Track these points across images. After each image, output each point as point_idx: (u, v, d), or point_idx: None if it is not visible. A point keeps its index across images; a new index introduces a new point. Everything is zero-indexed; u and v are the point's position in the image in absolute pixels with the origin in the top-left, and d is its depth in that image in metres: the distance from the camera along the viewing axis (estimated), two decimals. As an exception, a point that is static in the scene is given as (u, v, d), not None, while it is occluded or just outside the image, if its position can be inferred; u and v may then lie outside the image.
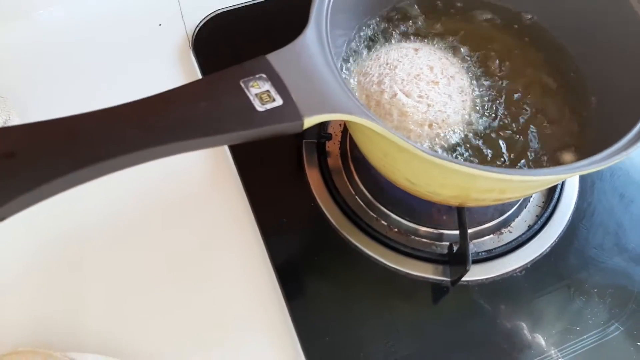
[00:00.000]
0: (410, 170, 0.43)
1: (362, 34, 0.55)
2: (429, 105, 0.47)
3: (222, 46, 0.67)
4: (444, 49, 0.54)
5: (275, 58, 0.37)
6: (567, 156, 0.50)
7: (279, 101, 0.35)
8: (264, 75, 0.36)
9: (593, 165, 0.38)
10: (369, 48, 0.55)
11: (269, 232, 0.54)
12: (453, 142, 0.48)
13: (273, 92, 0.35)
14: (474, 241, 0.56)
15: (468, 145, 0.48)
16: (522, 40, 0.56)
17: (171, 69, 0.66)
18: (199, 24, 0.68)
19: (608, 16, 0.49)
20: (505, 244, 0.55)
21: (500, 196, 0.43)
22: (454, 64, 0.51)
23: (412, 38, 0.56)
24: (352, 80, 0.52)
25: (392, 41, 0.56)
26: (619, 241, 0.57)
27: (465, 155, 0.48)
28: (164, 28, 0.69)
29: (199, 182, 0.58)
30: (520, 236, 0.56)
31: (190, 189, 0.57)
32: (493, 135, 0.49)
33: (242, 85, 0.35)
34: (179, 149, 0.33)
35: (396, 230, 0.56)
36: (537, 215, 0.58)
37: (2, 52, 0.65)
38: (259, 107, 0.34)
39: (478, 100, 0.50)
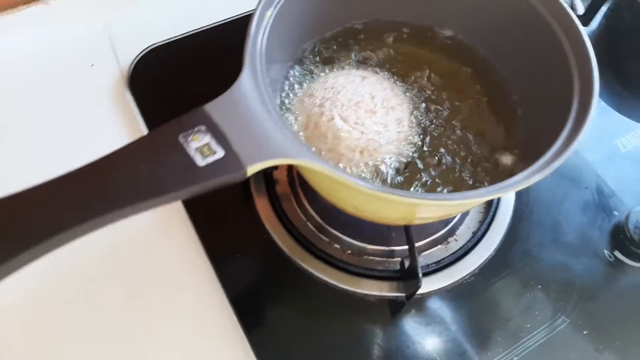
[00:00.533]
0: (356, 201, 0.44)
1: (305, 61, 0.56)
2: (362, 133, 0.48)
3: (159, 82, 0.67)
4: (391, 78, 0.56)
5: (213, 108, 0.38)
6: (506, 159, 0.52)
7: (220, 153, 0.36)
8: (203, 127, 0.36)
9: (515, 185, 0.40)
10: (314, 75, 0.57)
11: (222, 267, 0.55)
12: (385, 169, 0.50)
13: (213, 144, 0.36)
14: (424, 254, 0.58)
15: (407, 171, 0.50)
16: (452, 61, 0.58)
17: (108, 110, 0.65)
18: (133, 60, 0.67)
19: (522, 26, 0.52)
20: (453, 253, 0.58)
21: (443, 215, 0.46)
22: (398, 95, 0.53)
23: (359, 65, 0.58)
24: (296, 102, 0.53)
25: (344, 67, 0.57)
26: (557, 237, 0.60)
27: (399, 180, 0.50)
28: (97, 68, 0.68)
29: (148, 223, 0.57)
30: (465, 244, 0.59)
31: (138, 228, 0.56)
32: (431, 160, 0.51)
33: (182, 140, 0.36)
34: (123, 214, 0.33)
35: (349, 252, 0.57)
36: (479, 221, 0.60)
37: None
38: (200, 162, 0.35)
39: (414, 130, 0.52)
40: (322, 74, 0.57)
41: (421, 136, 0.53)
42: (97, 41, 0.69)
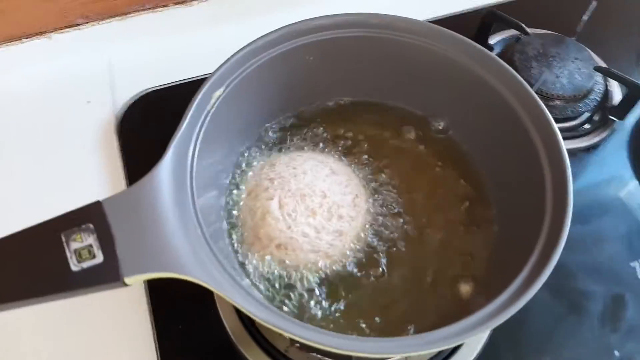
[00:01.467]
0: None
1: (266, 139, 0.53)
2: (289, 227, 0.44)
3: (147, 131, 0.65)
4: (363, 178, 0.52)
5: (111, 204, 0.35)
6: (464, 288, 0.46)
7: (99, 258, 0.33)
8: (91, 226, 0.34)
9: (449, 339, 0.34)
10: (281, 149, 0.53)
11: (164, 338, 0.52)
12: (296, 277, 0.45)
13: (95, 247, 0.33)
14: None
15: (321, 291, 0.45)
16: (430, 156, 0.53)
17: (93, 153, 0.64)
18: (126, 104, 0.66)
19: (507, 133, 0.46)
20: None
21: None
22: (358, 205, 0.48)
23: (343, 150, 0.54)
24: (259, 166, 0.51)
25: (324, 147, 0.54)
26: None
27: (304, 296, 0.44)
28: (92, 106, 0.67)
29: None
30: None
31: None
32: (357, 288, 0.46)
33: (63, 239, 0.33)
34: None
35: (297, 345, 0.52)
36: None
37: None
38: (74, 266, 0.32)
39: (357, 247, 0.47)
40: (301, 148, 0.53)
41: (363, 259, 0.47)
42: (97, 78, 0.69)
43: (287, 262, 0.45)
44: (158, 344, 0.51)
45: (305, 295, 0.45)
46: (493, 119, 0.46)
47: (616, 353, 0.52)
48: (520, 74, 0.63)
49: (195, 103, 0.41)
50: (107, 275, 0.32)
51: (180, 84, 0.69)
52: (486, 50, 0.46)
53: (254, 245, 0.46)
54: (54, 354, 0.51)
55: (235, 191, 0.49)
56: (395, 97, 0.53)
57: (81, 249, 0.33)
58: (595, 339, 0.53)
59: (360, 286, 0.46)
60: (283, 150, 0.53)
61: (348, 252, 0.46)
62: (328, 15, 0.47)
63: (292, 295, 0.45)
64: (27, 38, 0.66)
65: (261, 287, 0.45)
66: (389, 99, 0.54)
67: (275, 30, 0.46)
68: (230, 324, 0.53)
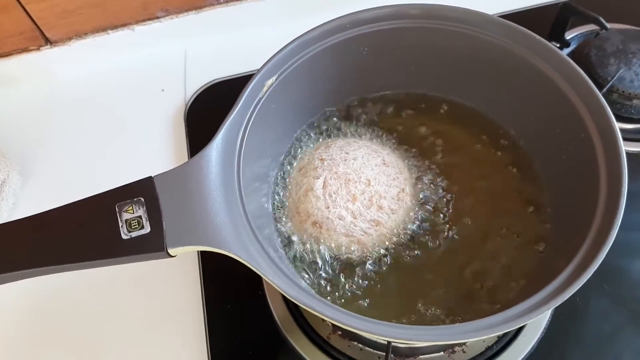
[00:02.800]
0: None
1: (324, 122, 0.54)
2: (327, 207, 0.46)
3: (212, 119, 0.68)
4: (416, 173, 0.52)
5: (162, 180, 0.37)
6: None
7: (146, 229, 0.35)
8: (142, 199, 0.36)
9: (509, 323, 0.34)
10: (347, 133, 0.54)
11: (214, 317, 0.54)
12: (322, 257, 0.46)
13: (144, 219, 0.36)
14: (421, 357, 0.52)
15: (341, 274, 0.46)
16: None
17: (165, 137, 0.68)
18: (195, 93, 0.70)
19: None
20: (455, 366, 0.51)
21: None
22: (402, 199, 0.48)
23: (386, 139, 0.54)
24: (314, 145, 0.52)
25: (383, 137, 0.54)
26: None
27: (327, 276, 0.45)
28: (166, 94, 0.72)
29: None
30: (474, 357, 0.51)
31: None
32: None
33: (117, 209, 0.36)
34: (40, 272, 0.34)
35: (339, 333, 0.53)
36: (498, 336, 0.52)
37: (10, 109, 0.71)
38: (124, 235, 0.35)
39: (392, 240, 0.47)
40: (358, 135, 0.54)
41: (395, 253, 0.47)
42: (172, 68, 0.74)
43: (320, 240, 0.46)
44: (207, 322, 0.54)
45: (324, 274, 0.47)
46: (544, 105, 0.45)
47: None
48: (595, 71, 0.60)
49: (247, 91, 0.43)
50: (152, 244, 0.35)
51: (246, 75, 0.72)
52: (539, 37, 0.44)
53: (294, 218, 0.47)
54: (113, 319, 0.56)
55: (287, 167, 0.51)
56: (450, 90, 0.52)
57: (131, 220, 0.36)
58: (656, 353, 0.49)
59: (387, 278, 0.46)
60: (340, 136, 0.53)
61: (382, 242, 0.47)
62: (383, 6, 0.47)
63: (311, 271, 0.47)
64: (112, 30, 0.72)
65: (290, 254, 0.47)
66: (443, 91, 0.53)
67: (329, 22, 0.47)
68: (276, 307, 0.55)
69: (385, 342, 0.51)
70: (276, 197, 0.50)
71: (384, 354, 0.51)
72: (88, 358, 0.54)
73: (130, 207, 0.36)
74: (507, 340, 0.52)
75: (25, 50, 0.71)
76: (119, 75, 0.74)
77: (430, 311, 0.44)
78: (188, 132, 0.68)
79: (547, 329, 0.52)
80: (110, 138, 0.69)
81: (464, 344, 0.52)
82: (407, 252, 0.48)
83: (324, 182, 0.47)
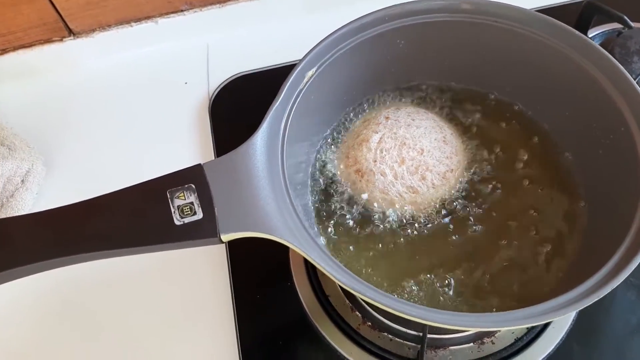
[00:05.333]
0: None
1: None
2: (374, 161, 0.49)
3: (237, 111, 0.69)
4: (470, 154, 0.53)
5: (211, 167, 0.38)
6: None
7: (199, 215, 0.36)
8: (192, 186, 0.37)
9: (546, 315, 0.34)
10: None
11: (242, 307, 0.55)
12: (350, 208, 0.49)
13: (196, 205, 0.36)
14: (451, 348, 0.52)
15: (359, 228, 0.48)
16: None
17: (188, 129, 0.69)
18: (219, 86, 0.70)
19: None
20: (485, 357, 0.51)
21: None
22: (448, 178, 0.50)
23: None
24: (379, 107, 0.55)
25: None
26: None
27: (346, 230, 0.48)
28: (189, 87, 0.72)
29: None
30: (504, 349, 0.52)
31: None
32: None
33: (168, 195, 0.36)
34: (94, 257, 0.34)
35: (369, 324, 0.54)
36: (527, 328, 0.53)
37: (33, 100, 0.71)
38: (178, 221, 0.35)
39: (427, 209, 0.49)
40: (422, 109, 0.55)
41: (423, 225, 0.49)
42: (195, 61, 0.74)
43: (357, 187, 0.49)
44: (236, 312, 0.55)
45: (346, 222, 0.49)
46: (580, 99, 0.46)
47: None
48: (619, 68, 0.61)
49: (290, 81, 0.43)
50: (205, 230, 0.35)
51: (268, 69, 0.72)
52: (580, 33, 0.45)
53: (342, 160, 0.50)
54: (141, 309, 0.56)
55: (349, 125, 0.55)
56: (486, 84, 0.53)
57: (184, 206, 0.36)
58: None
59: (400, 244, 0.48)
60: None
61: (412, 210, 0.49)
62: (417, 1, 0.48)
63: (334, 215, 0.50)
64: (136, 22, 0.72)
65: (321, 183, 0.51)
66: (480, 86, 0.54)
67: (368, 14, 0.47)
68: (305, 297, 0.55)
69: (419, 334, 0.51)
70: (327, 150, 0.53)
71: (414, 344, 0.52)
72: (116, 349, 0.54)
73: (182, 194, 0.36)
74: (535, 333, 0.52)
75: (49, 41, 0.71)
76: (142, 67, 0.74)
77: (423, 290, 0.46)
78: (213, 124, 0.68)
79: (575, 321, 0.52)
80: (133, 130, 0.69)
81: (494, 334, 0.52)
82: (430, 227, 0.49)
83: (381, 138, 0.49)
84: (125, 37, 0.73)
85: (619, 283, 0.36)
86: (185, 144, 0.68)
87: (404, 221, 0.49)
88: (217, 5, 0.73)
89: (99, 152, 0.67)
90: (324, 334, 0.53)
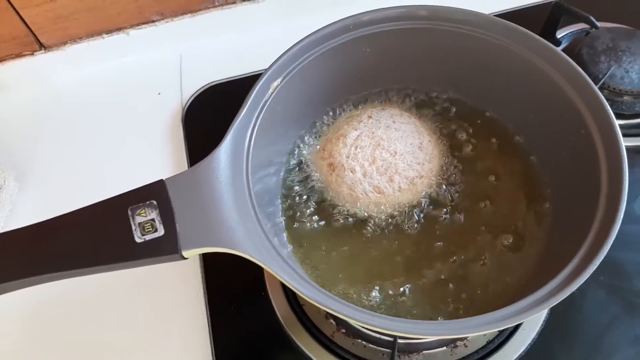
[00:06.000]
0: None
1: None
2: (347, 157, 0.50)
3: (210, 121, 0.68)
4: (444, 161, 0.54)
5: (173, 182, 0.38)
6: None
7: (160, 232, 0.35)
8: (154, 202, 0.37)
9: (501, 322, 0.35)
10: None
11: (217, 318, 0.55)
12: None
13: (157, 222, 0.36)
14: (424, 352, 0.52)
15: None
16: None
17: (162, 140, 0.68)
18: (192, 96, 0.70)
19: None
20: (458, 360, 0.52)
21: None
22: (415, 185, 0.50)
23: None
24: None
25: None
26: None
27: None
28: (163, 97, 0.72)
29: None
30: (476, 351, 0.52)
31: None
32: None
33: (130, 213, 0.36)
34: (55, 278, 0.34)
35: (343, 331, 0.54)
36: (499, 330, 0.53)
37: (5, 115, 0.70)
38: (138, 239, 0.35)
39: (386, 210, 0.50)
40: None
41: (384, 225, 0.50)
42: (168, 71, 0.74)
43: (327, 180, 0.51)
44: (210, 323, 0.54)
45: (313, 219, 0.50)
46: (543, 103, 0.46)
47: (675, 358, 0.50)
48: (587, 69, 0.62)
49: (254, 93, 0.43)
50: (166, 247, 0.35)
51: (242, 77, 0.72)
52: (540, 38, 0.45)
53: (318, 152, 0.52)
54: (116, 323, 0.56)
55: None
56: (451, 88, 0.54)
57: (145, 223, 0.36)
58: (652, 341, 0.51)
59: (366, 247, 0.49)
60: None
61: (375, 210, 0.50)
62: (390, 7, 0.48)
63: (304, 214, 0.51)
64: (107, 34, 0.71)
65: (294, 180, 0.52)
66: (444, 89, 0.55)
67: (331, 24, 0.47)
68: (280, 307, 0.55)
69: (391, 340, 0.52)
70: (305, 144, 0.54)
71: (388, 350, 0.52)
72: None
73: (143, 211, 0.36)
74: (507, 334, 0.53)
75: (20, 55, 0.71)
76: (115, 79, 0.73)
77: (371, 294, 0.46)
78: (186, 134, 0.68)
79: (547, 321, 0.53)
80: (107, 142, 0.69)
81: (466, 338, 0.53)
82: (392, 229, 0.50)
83: (358, 135, 0.51)
84: (97, 49, 0.73)
85: (580, 284, 0.36)
86: (160, 155, 0.67)
87: (370, 220, 0.50)
88: (189, 14, 0.73)
89: (73, 166, 0.67)
90: (298, 343, 0.53)
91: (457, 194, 0.51)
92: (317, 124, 0.55)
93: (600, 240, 0.36)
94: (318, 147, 0.54)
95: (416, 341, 0.52)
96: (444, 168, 0.53)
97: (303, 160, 0.53)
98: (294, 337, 0.53)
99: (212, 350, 0.53)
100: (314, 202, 0.51)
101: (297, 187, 0.52)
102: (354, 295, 0.46)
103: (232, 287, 0.57)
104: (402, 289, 0.46)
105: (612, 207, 0.37)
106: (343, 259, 0.48)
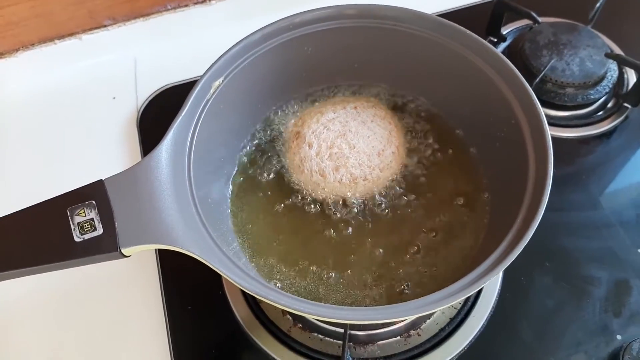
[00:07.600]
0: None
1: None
2: (312, 133, 0.52)
3: (165, 123, 0.67)
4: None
5: (113, 182, 0.38)
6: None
7: (99, 230, 0.36)
8: (93, 202, 0.37)
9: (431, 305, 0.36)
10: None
11: (175, 318, 0.55)
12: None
13: (96, 221, 0.36)
14: (379, 343, 0.54)
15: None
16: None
17: (118, 144, 0.68)
18: (147, 99, 0.70)
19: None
20: (411, 349, 0.53)
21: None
22: (369, 175, 0.52)
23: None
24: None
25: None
26: (540, 354, 0.52)
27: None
28: (118, 102, 0.72)
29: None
30: (428, 340, 0.53)
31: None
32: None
33: (69, 213, 0.36)
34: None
35: (300, 325, 0.55)
36: (450, 317, 0.54)
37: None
38: (77, 238, 0.35)
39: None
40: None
41: (331, 208, 0.52)
42: (122, 75, 0.74)
43: (286, 150, 0.54)
44: (168, 323, 0.55)
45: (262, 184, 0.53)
46: (478, 97, 0.48)
47: (618, 337, 0.52)
48: (529, 62, 0.64)
49: (194, 93, 0.44)
50: (105, 245, 0.36)
51: (196, 79, 0.72)
52: (470, 32, 0.47)
53: (287, 130, 0.55)
54: (67, 330, 0.56)
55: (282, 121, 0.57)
56: (393, 83, 0.56)
57: (84, 222, 0.36)
58: (597, 323, 0.53)
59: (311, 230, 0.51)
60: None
61: (313, 190, 0.52)
62: (321, 8, 0.50)
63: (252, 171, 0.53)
64: (60, 39, 0.71)
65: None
66: (387, 85, 0.56)
67: (271, 24, 0.49)
68: (237, 305, 0.56)
69: (342, 331, 0.53)
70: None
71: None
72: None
73: (82, 211, 0.37)
74: (458, 321, 0.54)
75: (-30, 63, 0.70)
76: (69, 84, 0.73)
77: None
78: (141, 138, 0.68)
79: (496, 307, 0.55)
80: (62, 148, 0.69)
81: (419, 327, 0.54)
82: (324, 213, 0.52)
83: (333, 119, 0.52)
84: (50, 55, 0.72)
85: (500, 272, 0.37)
86: (116, 159, 0.68)
87: (307, 197, 0.52)
88: (141, 18, 0.73)
89: (28, 173, 0.67)
90: (256, 339, 0.54)
91: (396, 200, 0.52)
92: (272, 116, 0.57)
93: (525, 226, 0.38)
94: (297, 117, 0.56)
95: (371, 332, 0.53)
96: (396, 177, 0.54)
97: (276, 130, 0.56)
98: (252, 334, 0.54)
99: (170, 348, 0.53)
100: (266, 174, 0.53)
101: (251, 169, 0.54)
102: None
103: (190, 286, 0.57)
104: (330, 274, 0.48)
105: (538, 193, 0.39)
106: (277, 228, 0.51)
